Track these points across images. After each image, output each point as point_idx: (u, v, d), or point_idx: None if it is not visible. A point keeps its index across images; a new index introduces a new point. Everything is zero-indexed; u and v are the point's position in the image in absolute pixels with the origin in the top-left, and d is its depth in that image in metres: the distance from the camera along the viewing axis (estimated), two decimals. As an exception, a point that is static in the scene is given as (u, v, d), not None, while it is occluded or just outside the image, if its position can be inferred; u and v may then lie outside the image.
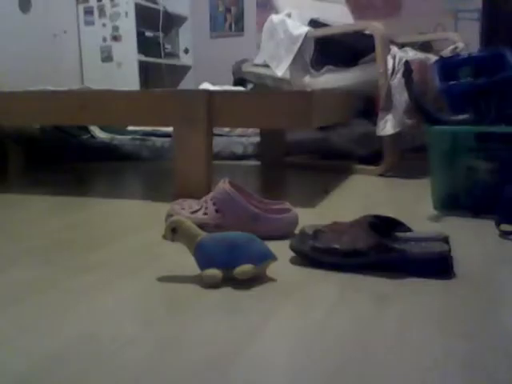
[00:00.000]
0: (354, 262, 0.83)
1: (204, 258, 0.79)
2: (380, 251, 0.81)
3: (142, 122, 1.42)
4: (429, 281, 0.79)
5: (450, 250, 0.84)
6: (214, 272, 0.78)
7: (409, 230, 0.90)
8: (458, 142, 1.21)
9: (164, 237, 0.85)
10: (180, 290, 0.76)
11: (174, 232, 0.81)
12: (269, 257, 0.81)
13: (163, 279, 0.81)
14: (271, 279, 0.81)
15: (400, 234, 0.89)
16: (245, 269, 0.78)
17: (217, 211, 1.01)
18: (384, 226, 0.89)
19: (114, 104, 1.42)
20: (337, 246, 0.84)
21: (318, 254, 0.85)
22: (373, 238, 0.82)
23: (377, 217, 0.89)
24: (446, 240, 0.86)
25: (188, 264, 0.88)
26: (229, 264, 0.79)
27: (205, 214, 1.03)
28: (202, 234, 0.81)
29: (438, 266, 0.81)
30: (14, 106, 1.50)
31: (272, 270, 0.84)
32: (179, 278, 0.82)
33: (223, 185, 1.02)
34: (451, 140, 1.22)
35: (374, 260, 0.82)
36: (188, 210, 1.04)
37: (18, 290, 0.77)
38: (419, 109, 1.43)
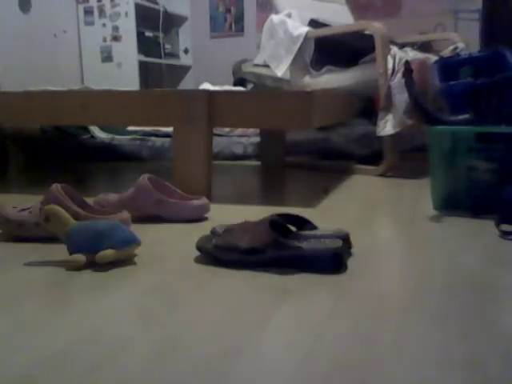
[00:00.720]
0: (252, 259, 0.86)
1: (71, 244, 0.88)
2: (276, 248, 0.84)
3: (142, 122, 1.42)
4: (425, 281, 0.80)
5: (350, 247, 0.92)
6: (77, 257, 0.85)
7: (315, 227, 0.95)
8: (458, 142, 1.21)
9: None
10: (174, 288, 0.76)
11: (47, 221, 0.89)
12: (132, 242, 0.88)
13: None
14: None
15: (305, 232, 0.93)
16: (105, 253, 0.85)
17: (40, 210, 1.02)
18: (289, 224, 0.94)
19: (114, 104, 1.42)
20: (237, 244, 0.87)
21: (220, 252, 0.88)
22: (270, 236, 0.85)
23: (282, 215, 0.94)
24: (346, 237, 0.91)
25: (191, 265, 0.88)
26: (92, 249, 0.86)
27: (29, 212, 1.05)
28: (73, 223, 0.89)
29: (330, 261, 0.84)
30: (14, 106, 1.50)
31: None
32: (50, 262, 0.89)
33: (54, 186, 1.04)
34: (451, 140, 1.22)
35: (271, 257, 0.85)
36: (17, 209, 1.07)
37: (18, 290, 0.77)
38: (419, 109, 1.43)
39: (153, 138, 2.41)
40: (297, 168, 2.09)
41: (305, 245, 0.86)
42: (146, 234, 1.09)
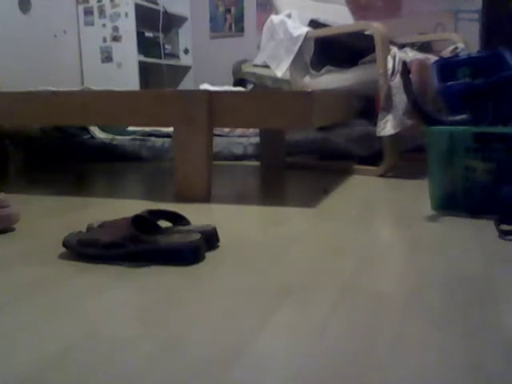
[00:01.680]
0: (113, 253, 0.89)
1: None
2: (134, 243, 0.88)
3: (142, 122, 1.42)
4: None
5: (218, 240, 0.97)
6: None
7: (188, 223, 1.01)
8: (456, 143, 1.21)
9: None
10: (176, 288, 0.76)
11: None
12: None
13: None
14: None
15: (175, 227, 0.99)
16: None
17: None
18: (164, 219, 1.00)
19: (114, 104, 1.42)
20: (98, 239, 0.90)
21: (82, 247, 0.91)
22: (129, 231, 0.88)
23: (156, 211, 0.98)
24: (213, 232, 0.96)
25: (191, 265, 0.88)
26: None
27: None
28: None
29: (185, 254, 0.88)
30: (14, 106, 1.50)
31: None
32: None
33: None
34: (449, 140, 1.22)
35: (129, 251, 0.88)
36: None
37: (18, 291, 0.77)
38: (417, 110, 1.43)
39: (153, 139, 2.41)
40: (297, 168, 2.09)
41: (167, 238, 0.90)
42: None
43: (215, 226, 0.98)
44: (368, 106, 2.02)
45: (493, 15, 3.44)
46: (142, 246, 0.88)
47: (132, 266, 0.87)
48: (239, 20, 4.36)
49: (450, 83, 1.41)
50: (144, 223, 0.94)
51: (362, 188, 1.65)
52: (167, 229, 0.97)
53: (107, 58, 3.94)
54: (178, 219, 1.01)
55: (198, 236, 0.90)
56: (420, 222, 1.17)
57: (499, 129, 1.24)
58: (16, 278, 0.82)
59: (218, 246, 0.98)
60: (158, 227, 0.96)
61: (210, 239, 0.96)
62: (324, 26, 2.10)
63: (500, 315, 0.67)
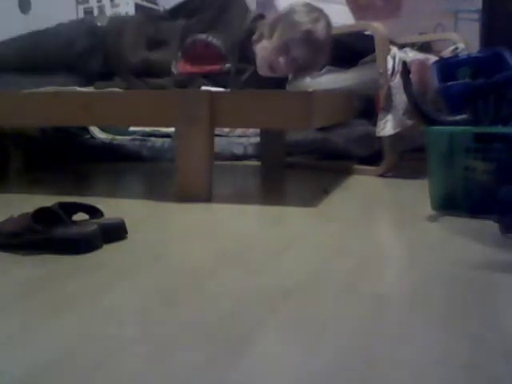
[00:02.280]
0: (12, 242, 0.94)
1: None
2: (31, 233, 0.93)
3: (143, 122, 1.42)
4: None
5: (126, 233, 1.02)
6: None
7: (102, 215, 1.05)
8: (456, 143, 1.21)
9: None
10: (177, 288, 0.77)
11: None
12: None
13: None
14: None
15: (84, 220, 1.03)
16: None
17: None
18: (81, 211, 1.04)
19: (116, 105, 1.42)
20: (0, 228, 0.96)
21: None
22: (25, 222, 0.94)
23: (66, 204, 1.00)
24: (120, 224, 1.02)
25: (191, 265, 0.88)
26: None
27: None
28: None
29: (76, 244, 0.93)
30: (14, 106, 1.49)
31: None
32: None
33: None
34: (449, 140, 1.22)
35: (26, 241, 0.93)
36: None
37: (17, 290, 0.77)
38: (417, 110, 1.44)
39: (153, 139, 2.41)
40: (297, 168, 2.09)
41: (65, 230, 0.94)
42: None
43: (123, 220, 1.03)
44: (368, 106, 2.01)
45: (493, 15, 3.44)
46: (38, 236, 0.93)
47: (27, 254, 0.92)
48: (239, 20, 4.35)
49: (450, 83, 1.41)
50: (51, 215, 0.98)
51: (362, 188, 1.65)
52: (75, 221, 1.01)
53: (107, 57, 3.94)
54: (93, 212, 1.06)
55: (93, 227, 0.95)
56: (420, 222, 1.18)
57: (499, 129, 1.25)
58: (12, 278, 0.82)
59: (126, 238, 1.02)
60: (62, 219, 0.97)
61: (116, 231, 1.02)
62: (324, 26, 2.10)
63: (500, 315, 0.67)
